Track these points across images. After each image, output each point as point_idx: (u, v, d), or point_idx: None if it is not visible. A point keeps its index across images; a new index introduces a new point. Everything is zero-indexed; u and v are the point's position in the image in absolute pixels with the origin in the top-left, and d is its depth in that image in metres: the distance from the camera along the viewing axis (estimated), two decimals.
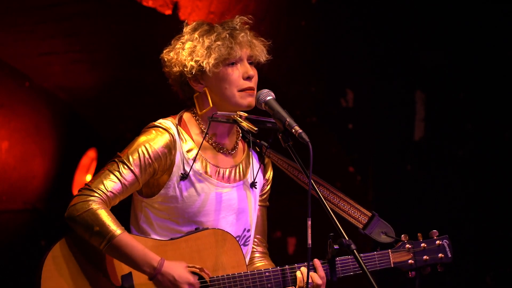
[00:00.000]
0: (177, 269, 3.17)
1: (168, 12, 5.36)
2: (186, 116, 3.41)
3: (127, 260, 3.16)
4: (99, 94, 6.85)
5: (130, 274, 3.19)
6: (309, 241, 2.98)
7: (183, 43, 3.34)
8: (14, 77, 6.64)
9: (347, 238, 3.06)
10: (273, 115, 3.21)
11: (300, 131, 3.10)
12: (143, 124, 3.41)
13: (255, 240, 3.54)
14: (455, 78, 6.27)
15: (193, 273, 3.26)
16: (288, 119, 3.15)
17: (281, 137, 3.18)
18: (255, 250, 3.54)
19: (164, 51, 3.39)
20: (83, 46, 6.21)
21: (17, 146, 6.76)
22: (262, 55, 3.37)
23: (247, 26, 3.38)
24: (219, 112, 3.31)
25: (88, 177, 7.00)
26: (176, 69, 3.34)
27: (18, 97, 6.74)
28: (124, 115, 7.02)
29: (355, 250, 3.04)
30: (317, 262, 3.31)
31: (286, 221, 6.22)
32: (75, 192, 6.89)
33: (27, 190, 6.86)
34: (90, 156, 7.15)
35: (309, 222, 2.97)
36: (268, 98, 3.26)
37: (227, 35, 3.29)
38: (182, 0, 5.38)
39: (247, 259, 3.46)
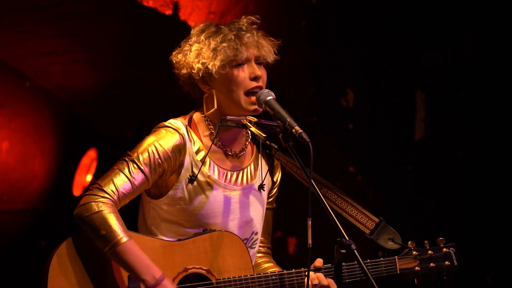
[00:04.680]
0: None
1: (169, 12, 5.36)
2: (196, 116, 3.41)
3: (129, 268, 3.15)
4: (99, 94, 6.84)
5: None
6: (310, 241, 2.98)
7: (190, 45, 3.33)
8: (15, 77, 6.64)
9: (347, 238, 3.05)
10: (273, 115, 3.19)
11: (301, 131, 3.09)
12: (143, 124, 3.41)
13: (259, 240, 3.53)
14: (455, 78, 6.27)
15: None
16: (288, 119, 3.14)
17: (282, 137, 3.16)
18: (258, 250, 3.53)
19: (173, 53, 3.39)
20: (83, 46, 6.21)
21: (17, 146, 6.75)
22: (269, 55, 3.35)
23: (254, 26, 3.36)
24: (228, 117, 3.29)
25: (89, 177, 6.99)
26: (184, 71, 3.34)
27: (19, 97, 6.73)
28: (124, 115, 7.01)
29: (355, 250, 3.03)
30: (320, 275, 3.31)
31: (287, 221, 6.21)
32: (75, 192, 6.89)
33: (27, 190, 6.85)
34: (90, 156, 7.14)
35: (310, 222, 2.97)
36: (268, 98, 3.24)
37: (233, 37, 3.28)
38: (182, 0, 5.38)
39: (254, 262, 3.46)
